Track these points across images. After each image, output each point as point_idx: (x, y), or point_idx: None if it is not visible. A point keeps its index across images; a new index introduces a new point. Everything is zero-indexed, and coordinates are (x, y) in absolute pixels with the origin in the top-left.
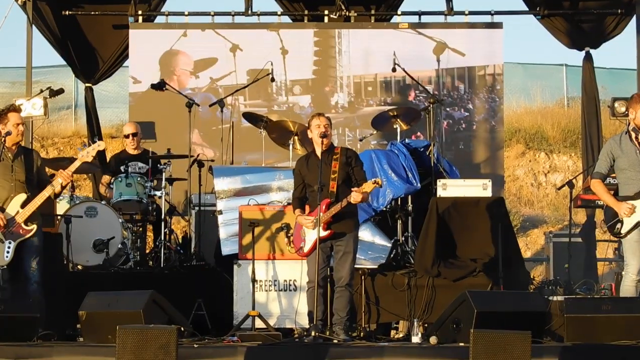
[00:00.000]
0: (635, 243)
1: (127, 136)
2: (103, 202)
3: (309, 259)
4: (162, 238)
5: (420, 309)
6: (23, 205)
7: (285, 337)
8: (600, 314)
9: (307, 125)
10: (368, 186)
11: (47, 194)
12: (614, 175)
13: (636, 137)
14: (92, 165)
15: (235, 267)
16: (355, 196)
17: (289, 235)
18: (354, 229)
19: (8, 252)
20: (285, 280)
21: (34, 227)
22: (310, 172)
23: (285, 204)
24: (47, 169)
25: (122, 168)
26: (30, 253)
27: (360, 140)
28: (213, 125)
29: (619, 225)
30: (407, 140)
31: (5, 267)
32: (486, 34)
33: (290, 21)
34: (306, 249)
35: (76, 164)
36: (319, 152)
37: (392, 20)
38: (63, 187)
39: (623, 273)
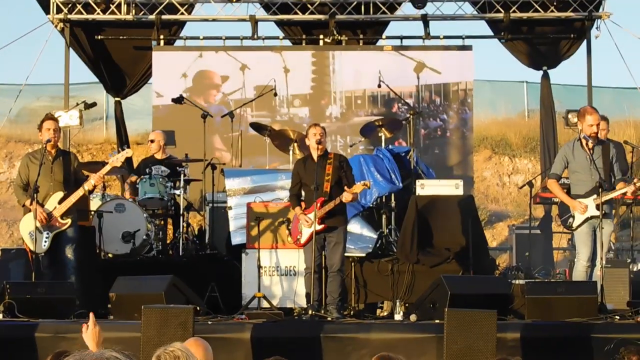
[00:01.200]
0: (585, 235)
1: (152, 141)
2: (130, 200)
3: (305, 248)
4: (181, 230)
5: (402, 291)
6: (60, 202)
7: (287, 315)
8: (556, 295)
9: (305, 133)
10: (358, 187)
11: (81, 192)
12: (566, 175)
13: (586, 144)
14: (120, 169)
15: (243, 255)
16: (346, 196)
17: (289, 228)
18: (343, 223)
19: (46, 241)
20: (286, 267)
21: (69, 220)
22: (307, 173)
23: (287, 201)
24: (83, 171)
25: (147, 170)
26: (67, 243)
27: (351, 146)
28: (226, 133)
29: (571, 220)
30: (390, 146)
31: (43, 254)
32: (458, 55)
33: (291, 44)
34: (302, 240)
35: (107, 168)
36: (315, 156)
37: (378, 44)
38: (94, 188)
39: (575, 260)
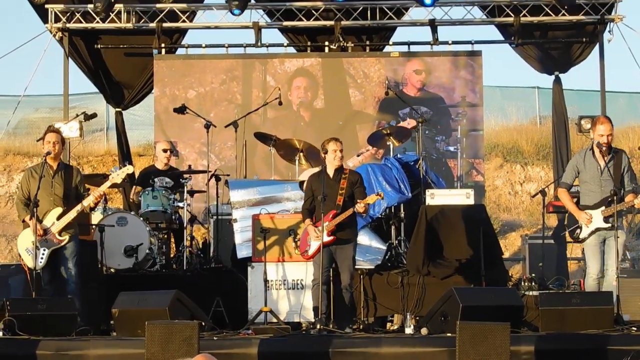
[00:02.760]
0: (594, 247)
1: (165, 150)
2: (132, 213)
3: (314, 260)
4: (185, 244)
5: (412, 304)
6: (59, 218)
7: (294, 330)
8: (571, 306)
9: (321, 146)
10: (372, 198)
11: (79, 209)
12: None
13: (600, 153)
14: (122, 183)
15: (249, 268)
16: (359, 207)
17: (296, 240)
18: (353, 237)
19: (42, 258)
20: (293, 280)
21: (67, 237)
22: (320, 186)
23: (293, 212)
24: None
25: (150, 181)
26: (67, 258)
27: (358, 155)
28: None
29: (578, 231)
30: (399, 155)
31: (40, 271)
32: (468, 61)
33: (295, 51)
34: (310, 252)
35: (107, 184)
36: (330, 170)
37: (385, 50)
38: (95, 205)
39: (585, 273)
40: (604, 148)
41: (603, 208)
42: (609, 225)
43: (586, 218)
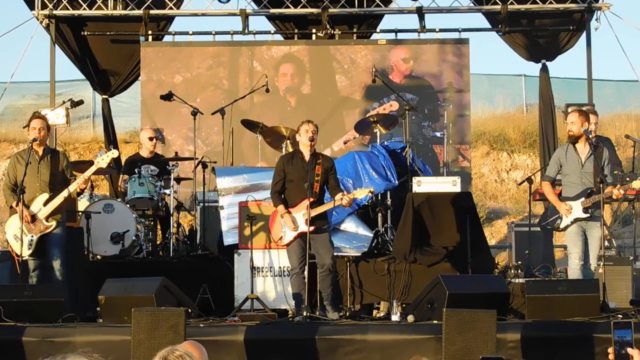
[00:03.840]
0: (574, 234)
1: (150, 139)
2: (119, 200)
3: (289, 249)
4: (171, 231)
5: (399, 291)
6: (45, 204)
7: (281, 317)
8: (557, 294)
9: (296, 129)
10: (362, 193)
11: (66, 194)
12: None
13: (584, 146)
14: (108, 169)
15: (235, 255)
16: (344, 200)
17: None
18: (328, 223)
19: (30, 244)
20: (279, 267)
21: (54, 223)
22: (294, 169)
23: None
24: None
25: (135, 170)
26: (54, 244)
27: (345, 143)
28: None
29: (558, 221)
30: (385, 142)
31: (27, 258)
32: (455, 49)
33: (282, 39)
34: (286, 240)
35: (92, 169)
36: (305, 153)
37: (372, 37)
38: (82, 191)
39: (568, 260)
40: (570, 140)
41: (583, 199)
42: (588, 215)
43: (566, 209)
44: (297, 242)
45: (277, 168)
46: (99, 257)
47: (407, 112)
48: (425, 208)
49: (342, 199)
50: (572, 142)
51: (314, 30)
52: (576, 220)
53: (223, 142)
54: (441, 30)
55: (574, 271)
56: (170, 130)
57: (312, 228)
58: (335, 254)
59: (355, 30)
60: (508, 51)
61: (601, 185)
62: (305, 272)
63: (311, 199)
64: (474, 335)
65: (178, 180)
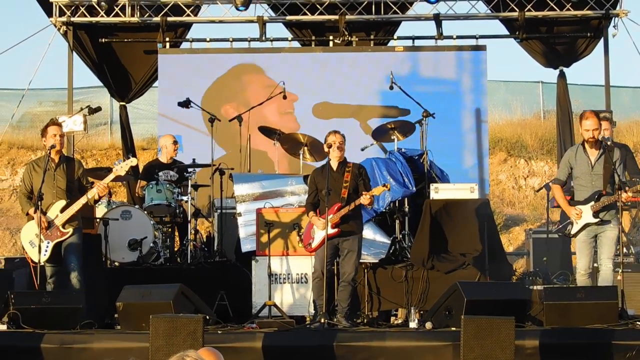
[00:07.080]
0: (582, 243)
1: (175, 142)
2: (136, 206)
3: (317, 253)
4: (189, 237)
5: (417, 298)
6: (62, 210)
7: (298, 323)
8: (575, 301)
9: (324, 140)
10: (378, 190)
11: (84, 201)
12: None
13: (591, 148)
14: (126, 176)
15: (253, 262)
16: (363, 198)
17: (300, 233)
18: (359, 230)
19: (46, 251)
20: (297, 274)
21: (70, 230)
22: (324, 179)
23: (297, 206)
24: (88, 177)
25: (154, 175)
26: (71, 251)
27: (362, 149)
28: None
29: (569, 227)
30: (403, 149)
31: (43, 264)
32: (472, 56)
33: (300, 46)
34: (314, 244)
35: (110, 177)
36: (334, 163)
37: (389, 44)
38: (99, 198)
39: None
40: (589, 144)
41: (592, 203)
42: (598, 220)
43: (576, 213)
44: (323, 246)
45: (310, 181)
46: (116, 263)
47: (424, 118)
48: (442, 215)
49: (362, 198)
50: (582, 144)
51: (331, 37)
52: (586, 225)
53: (240, 149)
54: (458, 37)
55: (580, 282)
56: (187, 137)
57: (334, 231)
58: None
59: (372, 37)
60: (525, 58)
61: (618, 191)
62: (323, 278)
63: (338, 204)
64: (492, 343)
65: (195, 187)
